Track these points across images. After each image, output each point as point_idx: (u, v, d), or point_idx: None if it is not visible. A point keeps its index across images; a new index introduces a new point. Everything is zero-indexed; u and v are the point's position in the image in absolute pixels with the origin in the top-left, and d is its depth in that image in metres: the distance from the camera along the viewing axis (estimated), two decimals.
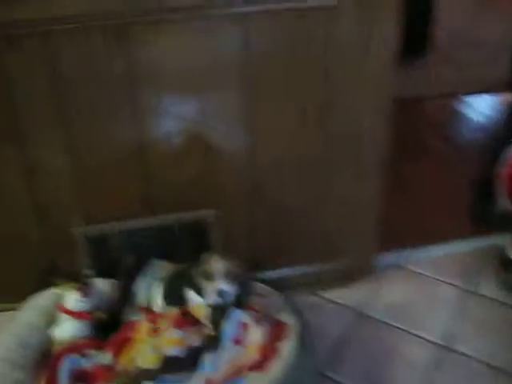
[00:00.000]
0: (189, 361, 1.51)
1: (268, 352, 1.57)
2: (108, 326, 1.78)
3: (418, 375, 1.89)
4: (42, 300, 1.81)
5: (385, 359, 1.94)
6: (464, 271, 2.32)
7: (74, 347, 1.65)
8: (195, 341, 1.55)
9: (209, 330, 1.58)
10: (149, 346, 1.57)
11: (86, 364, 1.61)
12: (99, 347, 1.67)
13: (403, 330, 2.07)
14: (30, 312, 1.76)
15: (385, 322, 2.11)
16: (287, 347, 1.58)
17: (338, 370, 1.91)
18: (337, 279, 2.22)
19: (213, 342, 1.54)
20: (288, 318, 1.69)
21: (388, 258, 2.39)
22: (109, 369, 1.59)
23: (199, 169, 1.86)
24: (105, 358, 1.62)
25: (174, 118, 1.79)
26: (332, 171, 1.98)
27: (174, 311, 1.61)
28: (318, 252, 2.17)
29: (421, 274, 2.33)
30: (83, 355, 1.64)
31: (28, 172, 1.78)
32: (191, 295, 1.64)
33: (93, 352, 1.65)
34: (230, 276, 1.58)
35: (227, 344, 1.53)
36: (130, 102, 1.72)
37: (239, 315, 1.58)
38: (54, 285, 1.83)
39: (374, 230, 2.18)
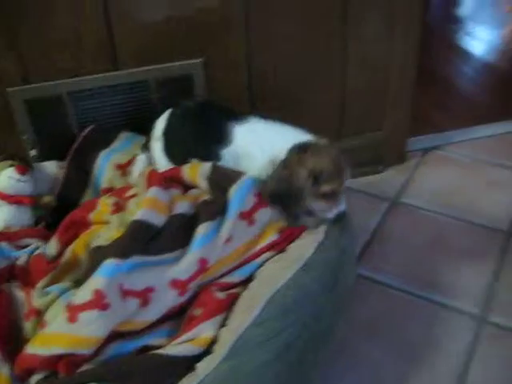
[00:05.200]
0: (173, 234, 0.99)
1: (291, 231, 1.06)
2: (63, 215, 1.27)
3: (473, 267, 1.44)
4: None
5: (430, 251, 1.50)
6: None
7: (5, 235, 1.14)
8: (182, 207, 1.03)
9: (206, 194, 1.06)
10: (113, 224, 1.05)
11: (21, 257, 1.10)
12: (44, 237, 1.17)
13: (453, 218, 1.59)
14: None
15: (428, 210, 1.63)
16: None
17: (377, 267, 1.44)
18: (363, 165, 1.74)
19: (210, 210, 1.01)
20: None
21: (424, 141, 1.92)
22: (51, 261, 1.08)
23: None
24: (49, 247, 1.11)
25: None
26: (354, 20, 1.50)
27: (153, 171, 1.08)
28: (336, 126, 1.67)
29: (465, 156, 1.84)
30: (18, 247, 1.13)
31: None
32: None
33: (32, 242, 1.15)
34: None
35: (232, 216, 1.01)
36: None
37: (252, 183, 1.06)
38: None
39: (404, 104, 1.70)
